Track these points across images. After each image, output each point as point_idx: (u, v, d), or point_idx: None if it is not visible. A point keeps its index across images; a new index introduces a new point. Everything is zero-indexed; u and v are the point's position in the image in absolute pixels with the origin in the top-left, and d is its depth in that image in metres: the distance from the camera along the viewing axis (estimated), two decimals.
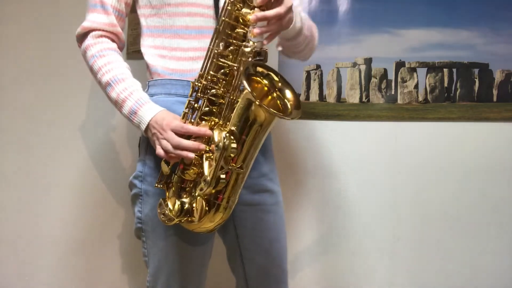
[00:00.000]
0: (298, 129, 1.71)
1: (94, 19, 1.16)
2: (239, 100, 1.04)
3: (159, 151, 1.07)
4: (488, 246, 1.71)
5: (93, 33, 1.16)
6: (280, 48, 1.28)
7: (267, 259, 1.25)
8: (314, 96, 1.72)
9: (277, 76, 1.10)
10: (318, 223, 1.75)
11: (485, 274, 1.72)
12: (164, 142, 1.06)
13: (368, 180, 1.72)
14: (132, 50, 1.64)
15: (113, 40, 1.19)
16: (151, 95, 1.19)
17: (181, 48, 1.16)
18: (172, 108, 1.14)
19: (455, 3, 1.67)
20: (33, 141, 1.76)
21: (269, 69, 1.10)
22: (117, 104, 1.13)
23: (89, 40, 1.16)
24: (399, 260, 1.73)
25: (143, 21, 1.21)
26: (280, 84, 1.10)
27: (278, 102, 1.10)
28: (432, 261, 1.73)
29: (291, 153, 1.73)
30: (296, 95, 1.10)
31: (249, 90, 1.00)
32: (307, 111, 1.72)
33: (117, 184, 1.74)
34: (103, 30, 1.16)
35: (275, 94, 1.10)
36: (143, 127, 1.09)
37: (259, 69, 1.09)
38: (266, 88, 1.10)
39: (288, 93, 1.10)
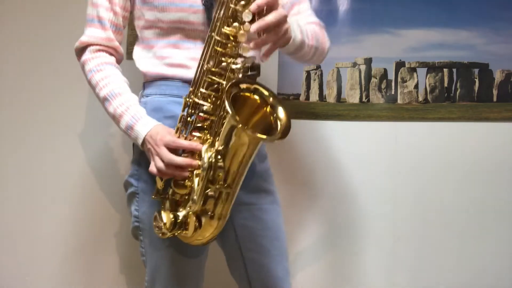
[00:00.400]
0: (298, 129, 1.71)
1: (91, 33, 1.17)
2: (225, 121, 1.03)
3: (152, 168, 1.07)
4: (488, 246, 1.71)
5: (91, 47, 1.17)
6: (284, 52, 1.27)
7: (268, 259, 1.25)
8: (314, 96, 1.72)
9: (265, 90, 1.08)
10: (318, 223, 1.75)
11: (485, 274, 1.72)
12: (157, 160, 1.06)
13: (368, 180, 1.72)
14: (131, 50, 1.64)
15: (111, 54, 1.19)
16: (146, 96, 1.19)
17: (174, 58, 1.16)
18: (166, 107, 1.15)
19: (455, 3, 1.67)
20: (31, 144, 1.75)
21: (255, 83, 1.08)
22: (114, 119, 1.13)
23: (87, 55, 1.17)
24: (399, 260, 1.73)
25: (138, 32, 1.22)
26: (271, 99, 1.08)
27: (271, 117, 1.08)
28: (432, 261, 1.73)
29: (291, 153, 1.73)
30: (288, 117, 1.07)
31: (231, 113, 0.98)
32: (307, 111, 1.72)
33: (115, 187, 1.73)
34: (100, 45, 1.17)
35: (267, 109, 1.09)
36: (140, 142, 1.10)
37: (244, 85, 1.06)
38: (258, 102, 1.08)
39: (281, 113, 1.07)
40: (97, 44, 1.17)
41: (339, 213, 1.73)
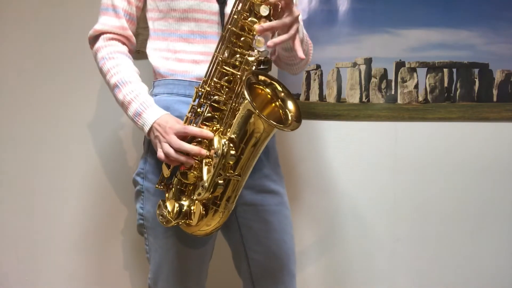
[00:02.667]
0: (298, 129, 1.70)
1: (105, 22, 1.19)
2: (240, 108, 1.06)
3: (160, 154, 1.08)
4: (488, 246, 1.71)
5: (104, 35, 1.19)
6: (273, 58, 1.29)
7: (272, 261, 1.25)
8: (314, 96, 1.72)
9: (280, 86, 1.12)
10: (318, 223, 1.75)
11: (485, 274, 1.72)
12: (166, 146, 1.07)
13: (368, 180, 1.72)
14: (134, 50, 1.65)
15: (123, 43, 1.21)
16: (155, 95, 1.21)
17: (185, 51, 1.18)
18: (174, 107, 1.17)
19: (455, 3, 1.67)
20: (37, 138, 1.77)
21: (273, 79, 1.11)
22: (123, 106, 1.15)
23: (100, 43, 1.19)
24: (399, 260, 1.73)
25: (150, 24, 1.23)
26: (283, 94, 1.12)
27: (280, 111, 1.12)
28: (432, 261, 1.73)
29: (291, 153, 1.73)
30: (298, 107, 1.12)
31: (249, 100, 1.02)
32: (307, 111, 1.72)
33: (122, 182, 1.74)
34: (114, 33, 1.19)
35: (277, 103, 1.12)
36: (147, 129, 1.11)
37: (262, 77, 1.10)
38: (269, 96, 1.12)
39: (290, 104, 1.12)
40: (110, 33, 1.19)
41: (339, 213, 1.73)
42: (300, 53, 1.10)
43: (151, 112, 1.11)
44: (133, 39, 1.23)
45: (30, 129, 1.77)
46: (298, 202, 1.74)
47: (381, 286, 1.74)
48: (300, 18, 1.18)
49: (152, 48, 1.22)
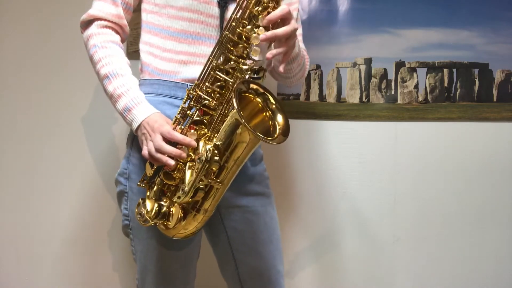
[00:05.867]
0: (298, 129, 1.71)
1: (101, 8, 1.16)
2: (228, 116, 1.05)
3: (144, 152, 1.08)
4: (488, 246, 1.71)
5: (98, 22, 1.15)
6: (269, 68, 1.28)
7: (260, 261, 1.24)
8: (314, 96, 1.72)
9: (272, 98, 1.11)
10: (317, 223, 1.75)
11: (485, 274, 1.72)
12: (150, 144, 1.06)
13: (368, 180, 1.72)
14: (132, 50, 1.64)
15: (117, 32, 1.18)
16: None
17: (174, 51, 1.16)
18: (158, 108, 1.14)
19: (455, 3, 1.67)
20: (32, 137, 1.76)
21: (265, 89, 1.11)
22: (112, 98, 1.12)
23: (93, 29, 1.15)
24: (399, 260, 1.73)
25: (143, 16, 1.21)
26: (274, 106, 1.11)
27: (270, 122, 1.11)
28: (432, 261, 1.73)
29: (291, 153, 1.73)
30: (287, 121, 1.10)
31: (237, 109, 1.01)
32: (307, 111, 1.72)
33: (112, 185, 1.74)
34: (109, 21, 1.16)
35: (267, 114, 1.11)
36: (135, 125, 1.09)
37: (254, 86, 1.09)
38: (260, 106, 1.11)
39: (280, 117, 1.11)
40: (105, 20, 1.16)
41: (339, 213, 1.73)
42: (281, 68, 1.08)
43: (142, 109, 1.09)
44: (127, 28, 1.20)
45: (25, 129, 1.76)
46: (297, 202, 1.74)
47: (381, 286, 1.74)
48: (298, 32, 1.17)
49: (143, 41, 1.20)
